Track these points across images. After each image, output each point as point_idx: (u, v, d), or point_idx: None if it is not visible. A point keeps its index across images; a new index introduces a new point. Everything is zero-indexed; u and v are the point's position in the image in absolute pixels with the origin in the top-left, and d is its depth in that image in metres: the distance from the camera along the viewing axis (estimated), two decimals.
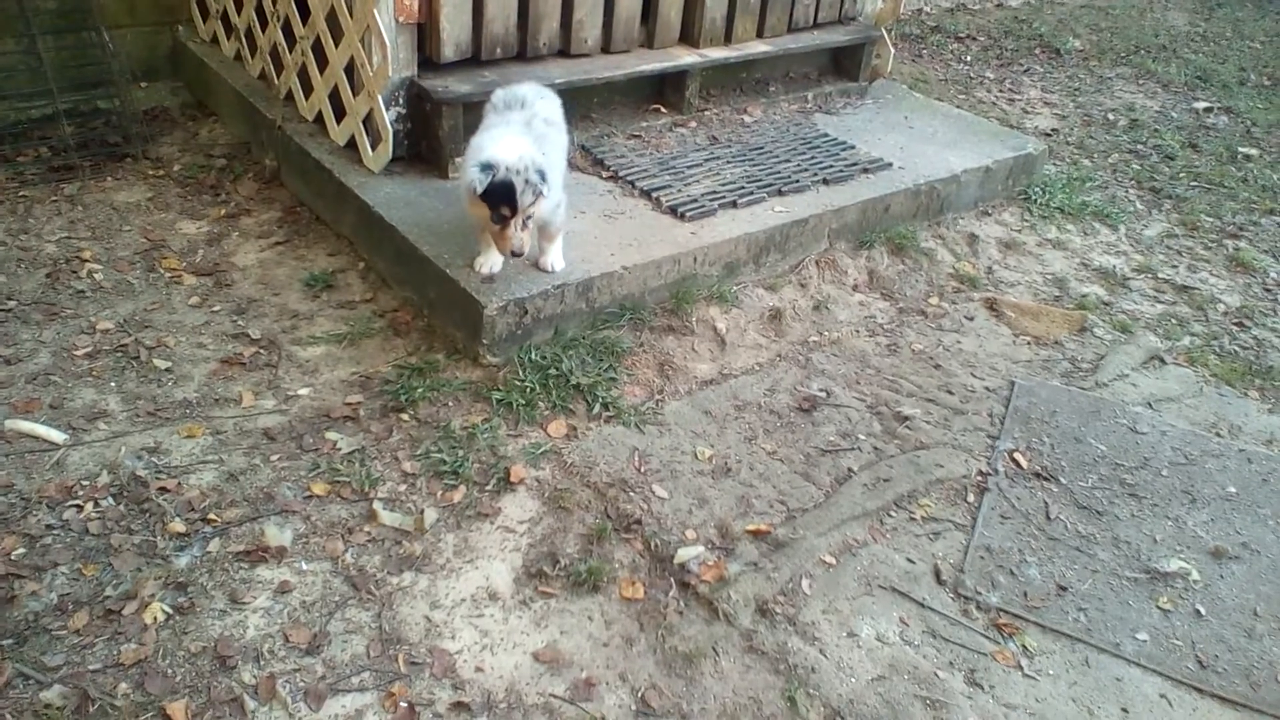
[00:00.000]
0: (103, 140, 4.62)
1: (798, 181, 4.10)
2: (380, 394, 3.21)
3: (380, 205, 3.66)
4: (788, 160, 4.29)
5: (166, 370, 3.27)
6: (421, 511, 2.78)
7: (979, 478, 3.11)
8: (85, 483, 2.81)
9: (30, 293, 3.60)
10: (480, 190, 2.96)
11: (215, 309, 3.60)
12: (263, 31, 4.43)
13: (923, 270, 4.15)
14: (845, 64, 5.05)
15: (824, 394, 3.39)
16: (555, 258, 3.36)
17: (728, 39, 4.56)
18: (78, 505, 2.74)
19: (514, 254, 3.07)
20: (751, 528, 2.82)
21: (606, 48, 4.28)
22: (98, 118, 4.71)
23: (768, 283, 3.86)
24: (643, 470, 2.99)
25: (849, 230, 4.09)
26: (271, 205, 4.26)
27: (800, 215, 3.91)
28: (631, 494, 2.90)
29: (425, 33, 3.80)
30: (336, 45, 3.87)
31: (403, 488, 2.88)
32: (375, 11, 3.56)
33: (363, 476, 2.88)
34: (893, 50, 5.05)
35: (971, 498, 3.04)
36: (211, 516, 2.72)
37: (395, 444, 3.03)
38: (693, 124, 4.53)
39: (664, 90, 4.54)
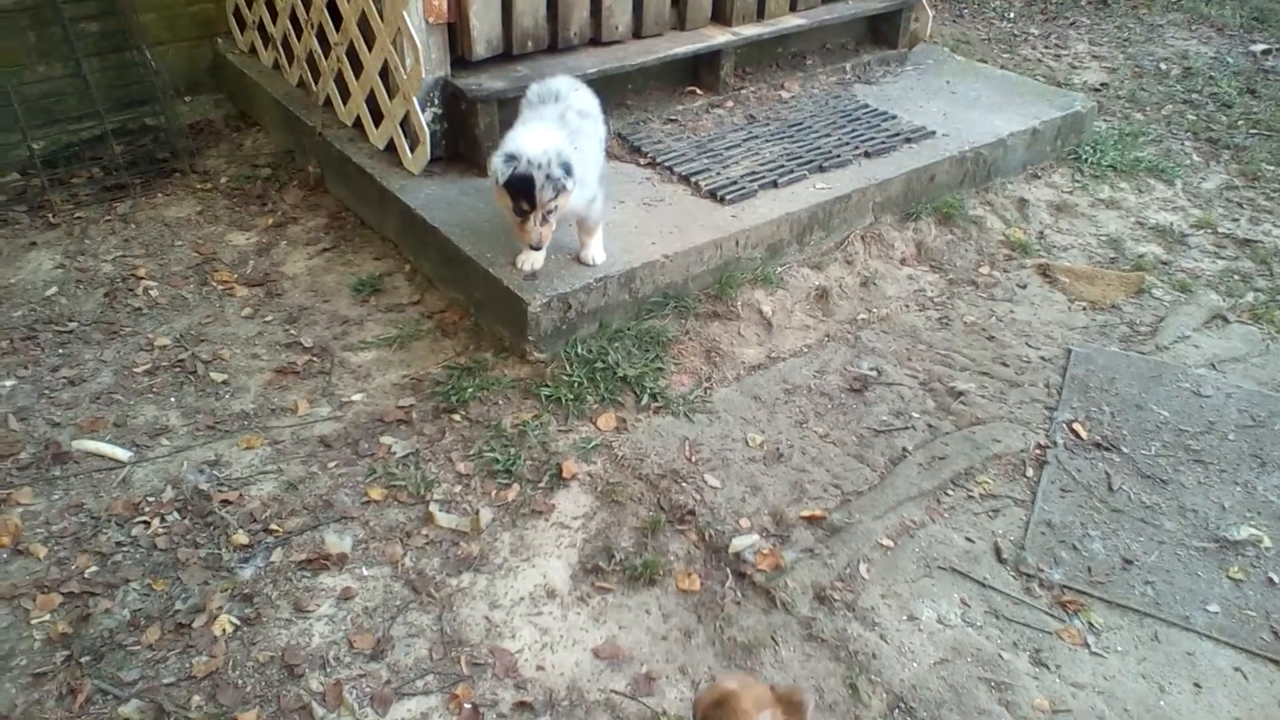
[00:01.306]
0: (151, 157, 4.71)
1: (839, 156, 4.04)
2: (432, 395, 3.24)
3: (422, 207, 3.68)
4: (828, 135, 4.23)
5: (223, 383, 3.34)
6: (477, 512, 2.81)
7: (1037, 451, 3.05)
8: (151, 499, 2.89)
9: (90, 313, 3.69)
10: (501, 180, 2.97)
11: (268, 319, 3.66)
12: (298, 40, 4.47)
13: (972, 239, 4.07)
14: (883, 31, 4.95)
15: (875, 373, 3.35)
16: (596, 250, 3.35)
17: (760, 15, 4.50)
18: (145, 521, 2.81)
19: (533, 247, 3.09)
20: (806, 513, 2.81)
21: (638, 33, 4.25)
22: (146, 135, 4.80)
23: (813, 262, 3.82)
24: (694, 460, 2.99)
25: (894, 203, 4.02)
26: (317, 212, 4.31)
27: (843, 191, 3.85)
28: (684, 484, 2.90)
29: (456, 31, 3.80)
30: (370, 49, 3.90)
31: (458, 489, 2.91)
32: (405, 14, 3.57)
33: (418, 479, 2.92)
34: (931, 13, 4.94)
35: (1030, 472, 2.99)
36: (273, 527, 2.78)
37: (448, 445, 3.06)
38: (729, 104, 4.48)
39: (698, 71, 4.49)
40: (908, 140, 4.20)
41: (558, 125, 3.14)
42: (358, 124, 4.19)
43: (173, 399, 3.28)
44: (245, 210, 4.36)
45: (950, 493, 2.91)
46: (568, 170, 3.00)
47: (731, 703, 1.69)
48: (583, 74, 3.89)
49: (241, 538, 2.74)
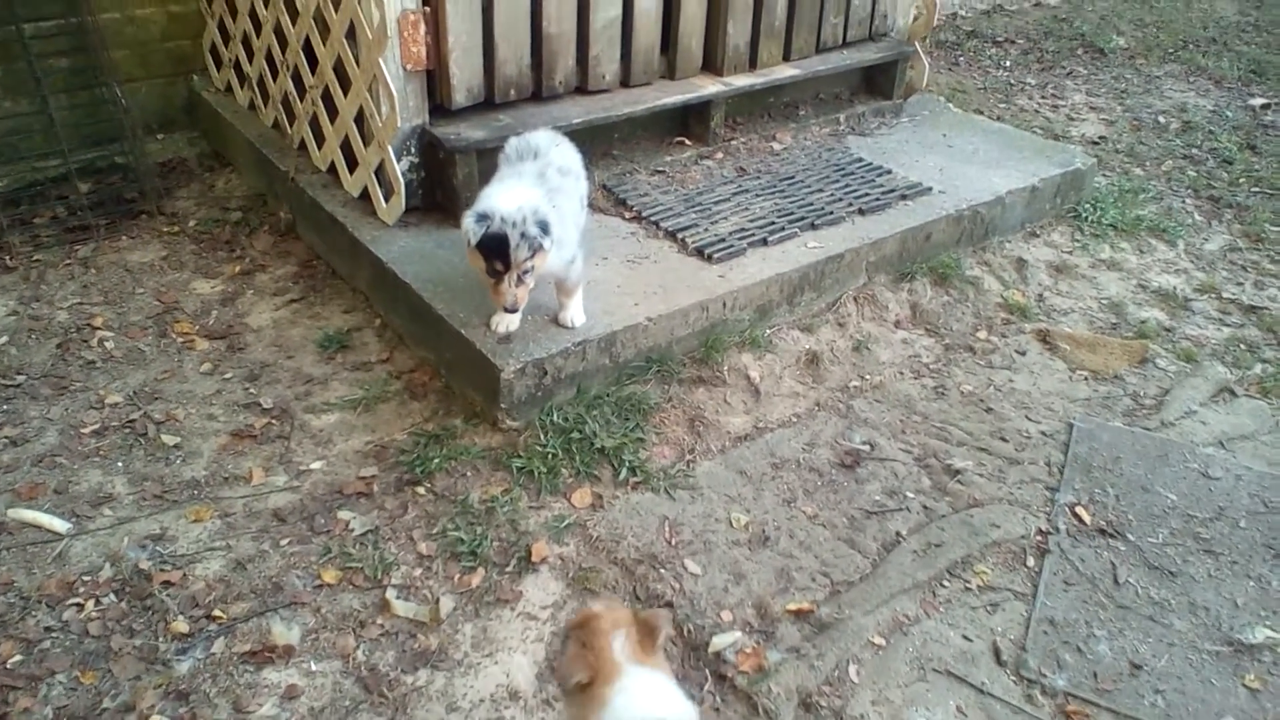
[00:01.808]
0: (119, 197, 4.52)
1: (831, 213, 3.89)
2: (396, 465, 3.05)
3: (394, 260, 3.50)
4: (820, 190, 4.08)
5: (175, 447, 3.14)
6: (437, 600, 2.61)
7: (1039, 538, 2.87)
8: (87, 578, 2.68)
9: (40, 365, 3.49)
10: (474, 241, 2.80)
11: (227, 376, 3.47)
12: (274, 80, 4.31)
13: (969, 301, 3.91)
14: (878, 82, 4.82)
15: (867, 447, 3.17)
16: (575, 312, 3.18)
17: (753, 65, 4.36)
18: (78, 604, 2.60)
19: (507, 310, 2.92)
20: (793, 606, 2.61)
21: (626, 82, 4.10)
22: (114, 173, 4.62)
23: (803, 323, 3.65)
24: (674, 543, 2.80)
25: (888, 262, 3.86)
26: (287, 260, 4.13)
27: (836, 250, 3.69)
28: (662, 570, 2.70)
29: (435, 78, 3.64)
30: (345, 95, 3.73)
31: (418, 572, 2.71)
32: (381, 60, 3.42)
33: (376, 561, 2.72)
34: (928, 64, 4.81)
35: (1031, 561, 2.80)
36: (217, 613, 2.57)
37: (411, 522, 2.86)
38: (719, 155, 4.33)
39: (688, 121, 4.35)
40: (903, 197, 4.05)
41: (536, 183, 2.98)
42: (332, 169, 4.02)
43: (120, 463, 3.08)
44: (212, 256, 4.17)
45: (947, 584, 2.72)
46: (544, 229, 2.83)
47: (593, 623, 1.88)
48: (567, 124, 3.75)
49: (181, 625, 2.53)
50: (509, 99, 3.80)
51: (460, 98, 3.66)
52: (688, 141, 4.33)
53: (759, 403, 3.33)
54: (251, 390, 3.40)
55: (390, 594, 2.63)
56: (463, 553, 2.74)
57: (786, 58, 4.46)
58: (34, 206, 4.44)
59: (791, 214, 3.88)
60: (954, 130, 4.74)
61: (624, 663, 1.82)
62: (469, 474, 3.01)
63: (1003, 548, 2.84)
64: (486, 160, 3.53)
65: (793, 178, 4.18)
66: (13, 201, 4.41)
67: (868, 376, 3.50)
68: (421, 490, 2.96)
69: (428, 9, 3.46)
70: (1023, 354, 3.68)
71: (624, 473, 2.99)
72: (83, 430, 3.20)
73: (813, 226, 3.81)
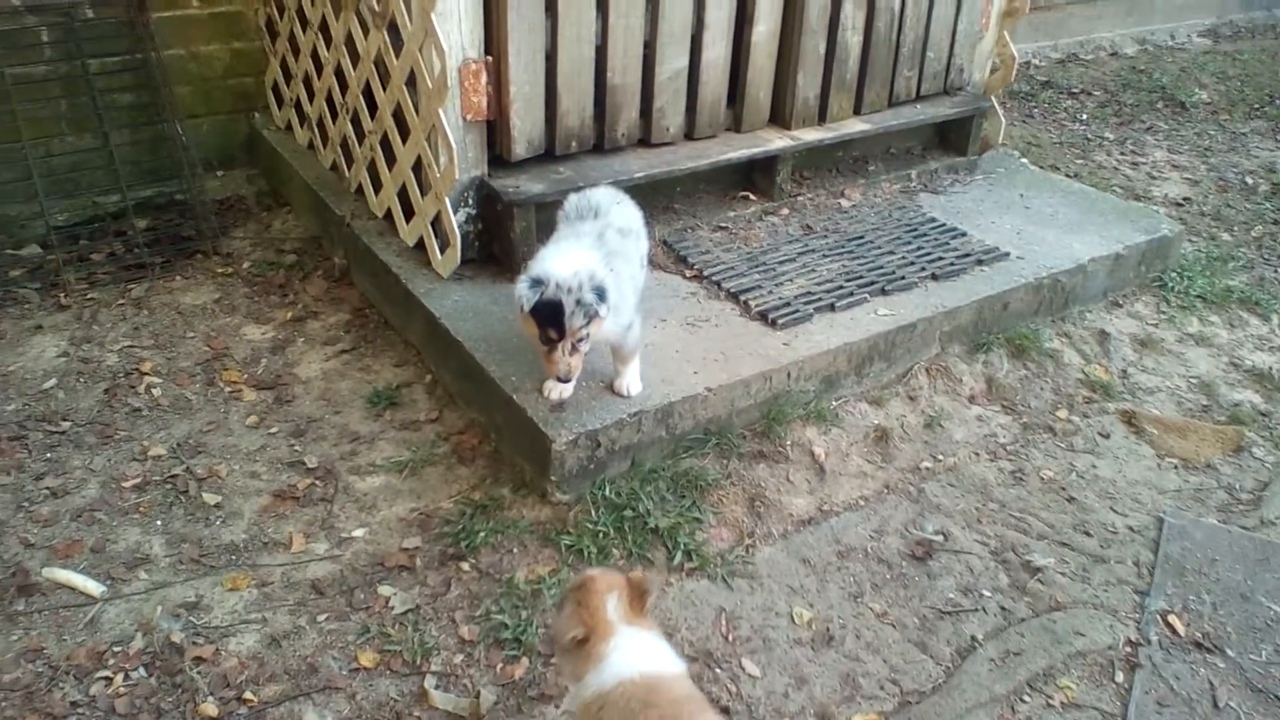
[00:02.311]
0: (176, 235, 4.49)
1: (903, 278, 3.70)
2: (440, 537, 2.91)
3: (446, 316, 3.39)
4: (891, 251, 3.90)
5: (215, 506, 3.03)
6: (478, 692, 2.45)
7: (1128, 649, 2.64)
8: (118, 648, 2.57)
9: (86, 411, 3.42)
10: (527, 308, 2.67)
11: (273, 430, 3.36)
12: (334, 122, 4.25)
13: (1048, 376, 3.69)
14: (952, 137, 4.63)
15: (940, 537, 2.96)
16: (631, 380, 3.02)
17: (822, 118, 4.20)
18: (107, 677, 2.49)
19: (560, 380, 2.77)
20: (860, 718, 2.41)
21: (690, 134, 3.96)
22: (173, 210, 4.59)
23: (871, 396, 3.46)
24: (731, 639, 2.61)
25: (963, 332, 3.66)
26: (340, 307, 4.04)
27: (908, 319, 3.50)
28: (718, 670, 2.53)
29: (495, 129, 3.54)
30: (404, 142, 3.64)
31: (459, 658, 2.56)
32: (441, 111, 3.32)
33: (416, 644, 2.58)
34: (1004, 119, 4.61)
35: (1120, 676, 2.57)
36: (248, 695, 2.44)
37: (453, 601, 2.72)
38: (784, 211, 4.17)
39: (753, 176, 4.20)
40: (979, 262, 3.85)
41: (595, 245, 2.84)
42: (388, 216, 3.93)
43: (159, 522, 2.98)
44: (265, 300, 4.10)
45: (1027, 698, 2.50)
46: (601, 295, 2.69)
47: (589, 584, 2.04)
48: (629, 178, 3.62)
49: (210, 708, 2.40)
50: (570, 151, 3.68)
51: (520, 149, 3.55)
52: (752, 196, 4.18)
53: (824, 482, 3.15)
54: (296, 447, 3.29)
55: (429, 683, 2.48)
56: (506, 639, 2.59)
57: (857, 111, 4.29)
58: (93, 242, 4.42)
59: (860, 277, 3.70)
60: (1031, 189, 4.53)
61: (617, 622, 1.98)
62: (515, 550, 2.87)
63: (1088, 659, 2.61)
64: (545, 213, 3.42)
65: (862, 237, 4.00)
66: (72, 237, 4.39)
67: (940, 457, 3.30)
68: (466, 566, 2.82)
69: (489, 58, 3.36)
70: (1106, 437, 3.45)
71: (679, 556, 2.82)
72: (124, 484, 3.11)
73: (883, 292, 3.63)
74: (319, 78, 4.24)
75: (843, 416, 3.35)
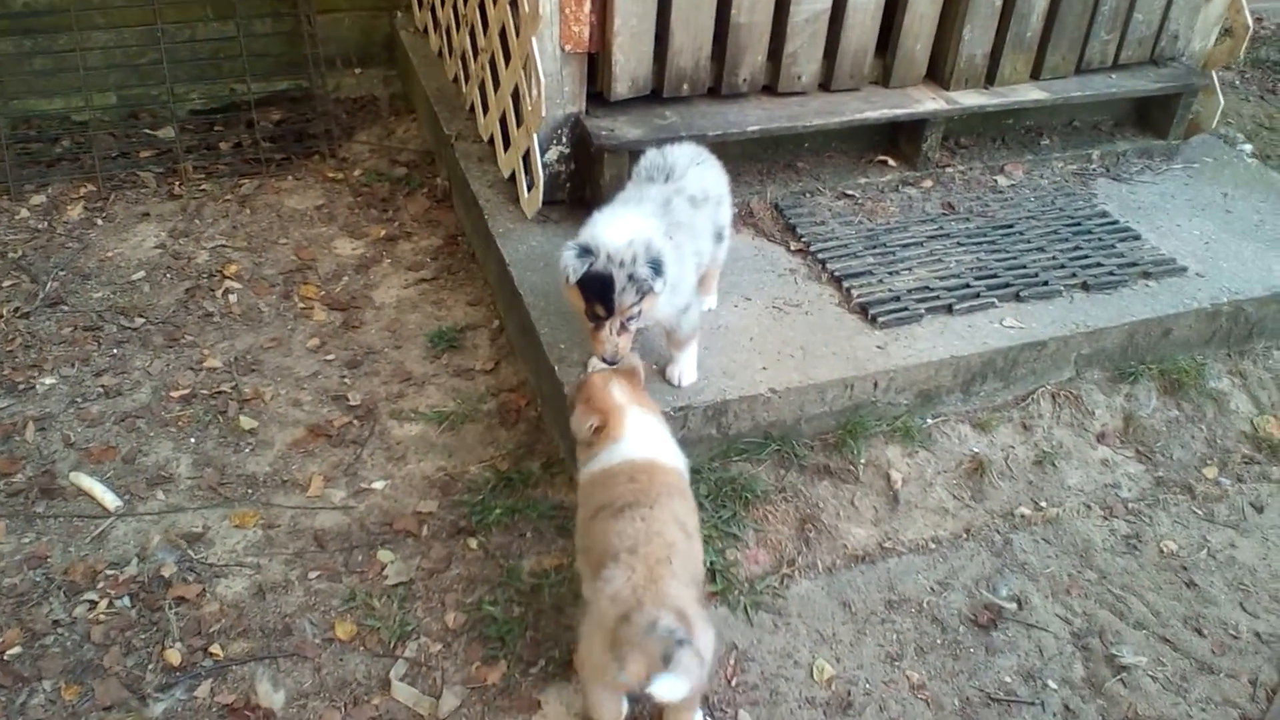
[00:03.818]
0: (301, 132, 4.42)
1: (1046, 283, 3.16)
2: (457, 505, 2.72)
3: (516, 263, 3.13)
4: (1040, 248, 3.33)
5: (249, 432, 2.95)
6: (441, 692, 2.26)
7: None
8: (112, 571, 2.53)
9: (163, 310, 3.41)
10: (572, 279, 2.35)
11: (329, 357, 3.25)
12: (457, 33, 4.01)
13: (1204, 422, 3.08)
14: (1152, 115, 3.92)
15: (1014, 604, 2.52)
16: (685, 369, 2.69)
17: (990, 80, 3.61)
18: (92, 600, 2.46)
19: (605, 360, 2.45)
20: None
21: (826, 84, 3.49)
22: (305, 105, 4.50)
23: (977, 418, 2.99)
24: (734, 683, 2.31)
25: (1106, 357, 3.10)
26: (434, 231, 3.87)
27: (1038, 335, 2.98)
28: (711, 718, 2.22)
29: (597, 62, 3.19)
30: (506, 66, 3.36)
31: (437, 648, 2.38)
32: (534, 40, 3.00)
33: (396, 623, 2.41)
34: (1221, 100, 3.84)
35: None
36: (214, 649, 2.35)
37: (449, 581, 2.53)
38: (927, 183, 3.64)
39: (896, 138, 3.68)
40: (1145, 274, 3.24)
41: (658, 212, 2.49)
42: (492, 141, 3.68)
43: (192, 440, 2.93)
44: (365, 214, 3.97)
45: None
46: (657, 268, 2.35)
47: (591, 382, 2.31)
48: (742, 132, 3.23)
49: (175, 655, 2.33)
50: (679, 93, 3.29)
51: (622, 88, 3.19)
52: (891, 163, 3.66)
53: (894, 513, 2.74)
54: (346, 379, 3.16)
55: (396, 670, 2.30)
56: (490, 636, 2.38)
57: (1035, 76, 3.66)
58: (225, 130, 4.40)
59: (994, 276, 3.18)
60: (1240, 188, 3.78)
61: (627, 404, 2.25)
62: (529, 534, 2.64)
63: None
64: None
65: (1010, 226, 3.44)
66: (207, 123, 4.39)
67: (1043, 504, 2.81)
68: (473, 544, 2.61)
69: None
70: (1260, 511, 2.85)
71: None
72: (172, 394, 3.07)
73: (1016, 297, 3.10)
74: None
75: (935, 438, 2.90)
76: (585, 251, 2.36)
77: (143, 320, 3.37)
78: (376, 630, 2.40)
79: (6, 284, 3.49)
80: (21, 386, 3.07)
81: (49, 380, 3.10)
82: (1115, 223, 3.50)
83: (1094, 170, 3.84)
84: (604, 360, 2.48)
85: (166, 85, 4.25)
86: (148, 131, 4.42)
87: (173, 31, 4.44)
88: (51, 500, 2.72)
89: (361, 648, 2.37)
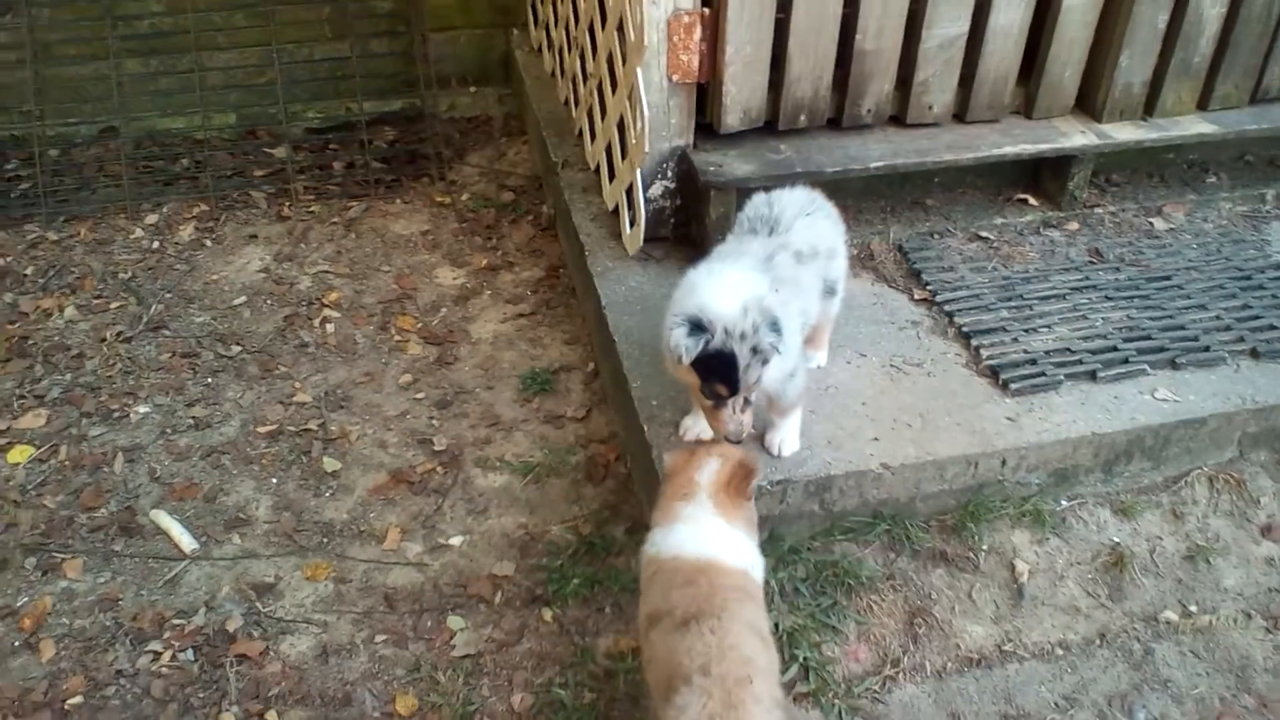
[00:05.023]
0: (413, 153, 4.36)
1: (1207, 348, 2.78)
2: (535, 570, 2.55)
3: (613, 305, 2.95)
4: (1203, 306, 2.94)
5: (331, 475, 2.86)
6: None
7: None
8: (179, 620, 2.47)
9: (260, 338, 3.37)
10: (686, 360, 2.11)
11: (420, 395, 3.14)
12: (569, 54, 3.86)
13: None
14: None
15: None
16: (787, 437, 2.44)
17: (1149, 110, 3.23)
18: (157, 651, 2.39)
19: (732, 441, 2.21)
20: None
21: (961, 115, 3.17)
22: (420, 124, 4.44)
23: (1120, 502, 2.64)
24: None
25: (1276, 437, 2.71)
26: (537, 261, 3.73)
27: (1197, 411, 2.61)
28: None
29: (707, 92, 2.98)
30: (613, 93, 3.18)
31: None
32: (639, 70, 2.80)
33: (460, 701, 2.26)
34: None
35: None
36: (270, 716, 2.23)
37: (519, 657, 2.36)
38: (1072, 226, 3.29)
39: (1039, 174, 3.33)
40: None
41: (759, 268, 2.24)
42: (598, 170, 3.51)
43: (274, 480, 2.85)
44: (469, 241, 3.86)
45: None
46: (777, 330, 2.11)
47: (705, 444, 2.19)
48: (863, 168, 2.97)
49: (229, 719, 2.22)
50: (796, 125, 3.04)
51: (733, 120, 2.97)
52: (1032, 201, 3.32)
53: (1017, 610, 2.43)
54: (435, 421, 3.04)
55: None
56: None
57: (1202, 106, 3.26)
58: (339, 150, 4.38)
59: (1146, 337, 2.82)
60: None
61: (702, 487, 2.00)
62: (608, 609, 2.44)
63: None
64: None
65: (1168, 279, 3.06)
66: (322, 142, 4.38)
67: (1193, 608, 2.45)
68: (548, 616, 2.44)
69: (706, 10, 2.78)
70: None
71: (793, 670, 2.26)
72: (260, 429, 3.01)
73: (1172, 364, 2.73)
74: (562, 2, 3.84)
75: (1070, 524, 2.57)
76: (698, 328, 2.11)
77: (239, 349, 3.33)
78: (439, 708, 2.25)
79: (114, 305, 3.51)
80: (116, 414, 3.06)
81: (143, 409, 3.08)
82: None
83: (1269, 212, 3.40)
84: (729, 439, 2.24)
85: (280, 105, 4.24)
86: (265, 150, 4.43)
87: (291, 50, 4.45)
88: (130, 539, 2.68)
89: None
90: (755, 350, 2.09)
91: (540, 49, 4.44)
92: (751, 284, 2.18)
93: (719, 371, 2.12)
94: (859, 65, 2.98)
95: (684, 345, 2.09)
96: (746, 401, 2.20)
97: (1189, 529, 2.60)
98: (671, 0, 2.75)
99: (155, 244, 3.84)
